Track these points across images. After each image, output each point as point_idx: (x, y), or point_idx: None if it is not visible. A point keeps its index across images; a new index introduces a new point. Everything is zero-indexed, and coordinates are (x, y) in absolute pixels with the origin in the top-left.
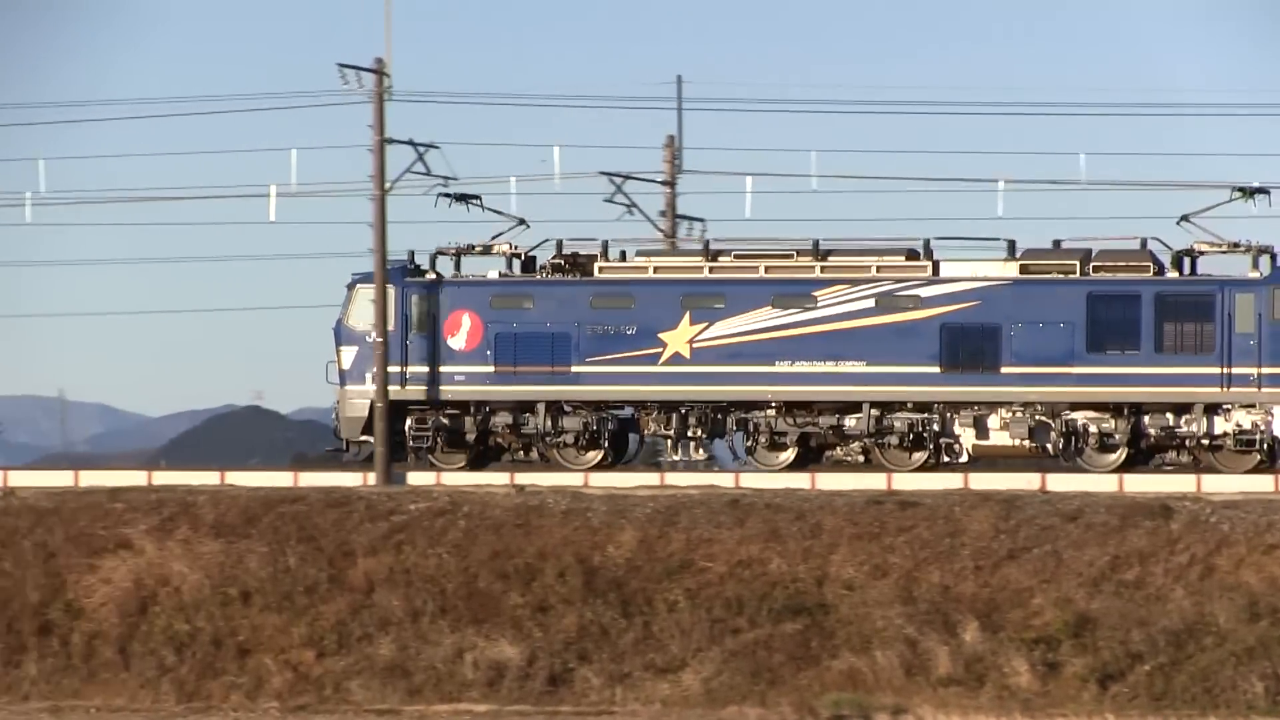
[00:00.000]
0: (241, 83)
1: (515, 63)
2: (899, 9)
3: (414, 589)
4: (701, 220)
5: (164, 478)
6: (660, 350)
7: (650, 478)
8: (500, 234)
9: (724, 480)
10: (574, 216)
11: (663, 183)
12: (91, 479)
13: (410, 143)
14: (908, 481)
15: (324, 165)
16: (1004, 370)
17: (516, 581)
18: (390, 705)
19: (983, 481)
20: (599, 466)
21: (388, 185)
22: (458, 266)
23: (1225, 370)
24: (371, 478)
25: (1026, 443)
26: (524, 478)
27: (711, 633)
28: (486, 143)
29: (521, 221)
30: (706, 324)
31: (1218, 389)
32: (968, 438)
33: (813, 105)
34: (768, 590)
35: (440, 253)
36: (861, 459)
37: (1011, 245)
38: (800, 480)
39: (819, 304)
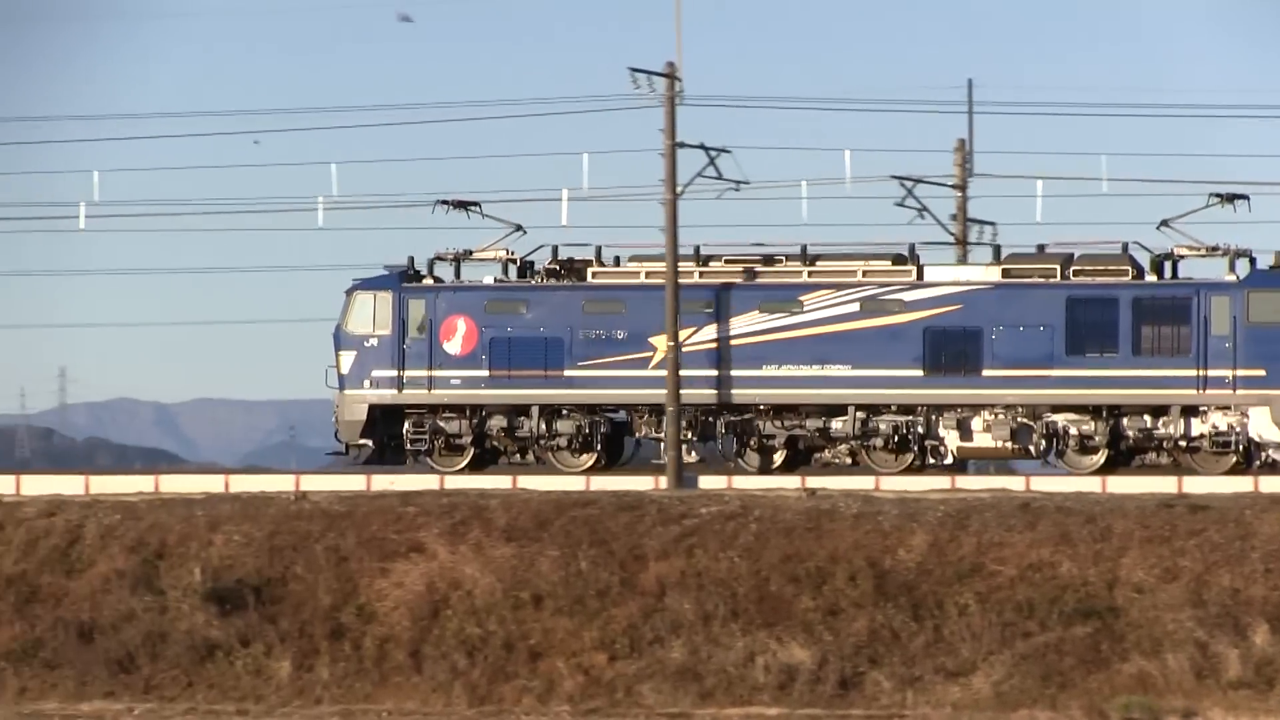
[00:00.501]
0: (534, 87)
1: (805, 67)
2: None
3: (705, 592)
4: (992, 224)
5: (455, 482)
6: (651, 354)
7: (941, 481)
8: (498, 240)
9: (1015, 484)
10: (864, 220)
11: (953, 186)
12: (381, 483)
13: (702, 147)
14: (1199, 485)
15: (613, 169)
16: (985, 373)
17: (807, 585)
18: (682, 709)
19: (1273, 485)
20: (592, 469)
21: (679, 189)
22: (458, 273)
23: (1201, 373)
24: (663, 481)
25: (1009, 444)
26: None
27: (1002, 636)
28: (776, 146)
29: (518, 228)
30: (695, 328)
31: (1194, 391)
32: (952, 440)
33: (1103, 108)
34: (1058, 594)
35: (439, 258)
36: (849, 461)
37: (997, 250)
38: (1091, 484)
39: (805, 308)
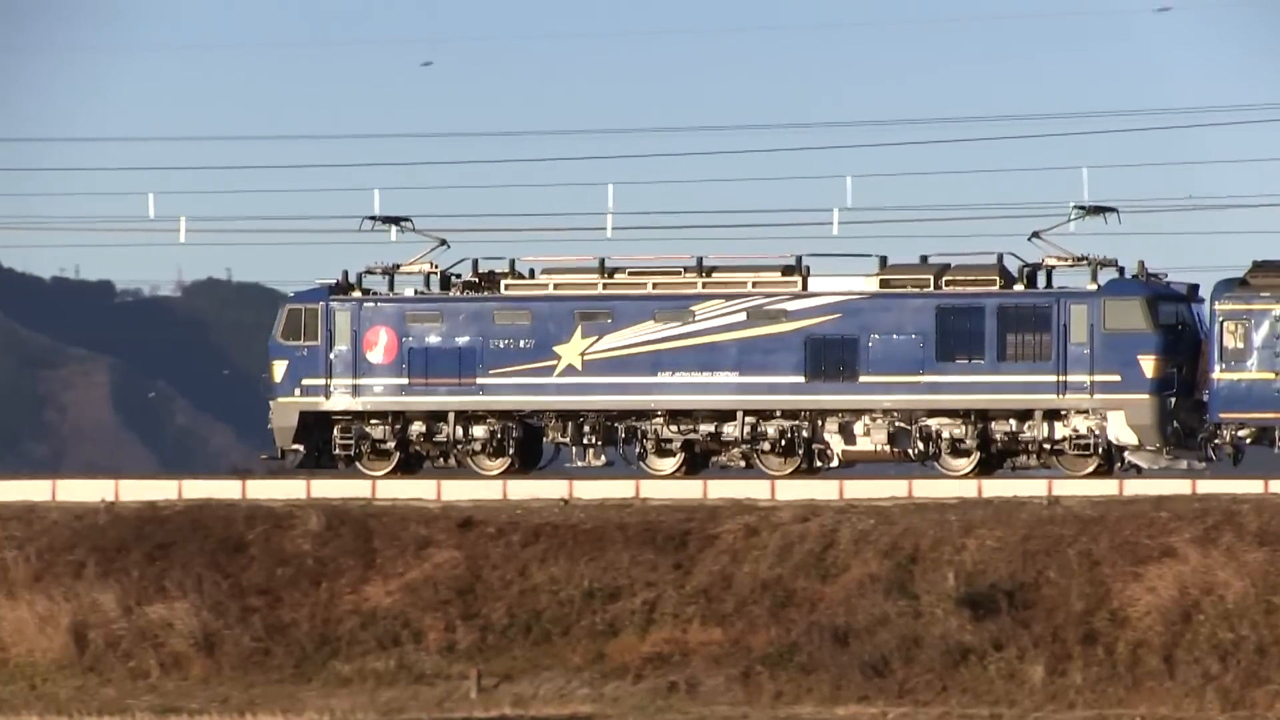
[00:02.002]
0: None
1: None
2: None
3: None
4: None
5: (1206, 487)
6: (555, 362)
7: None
8: (424, 253)
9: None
10: None
11: None
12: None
13: None
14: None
15: None
16: (862, 379)
17: None
18: None
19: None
20: (506, 473)
21: None
22: (391, 285)
23: (1061, 378)
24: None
25: (888, 448)
26: None
27: None
28: None
29: (443, 242)
30: (597, 337)
31: (1054, 396)
32: (837, 444)
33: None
34: None
35: (368, 272)
36: (743, 464)
37: (883, 260)
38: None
39: (696, 318)
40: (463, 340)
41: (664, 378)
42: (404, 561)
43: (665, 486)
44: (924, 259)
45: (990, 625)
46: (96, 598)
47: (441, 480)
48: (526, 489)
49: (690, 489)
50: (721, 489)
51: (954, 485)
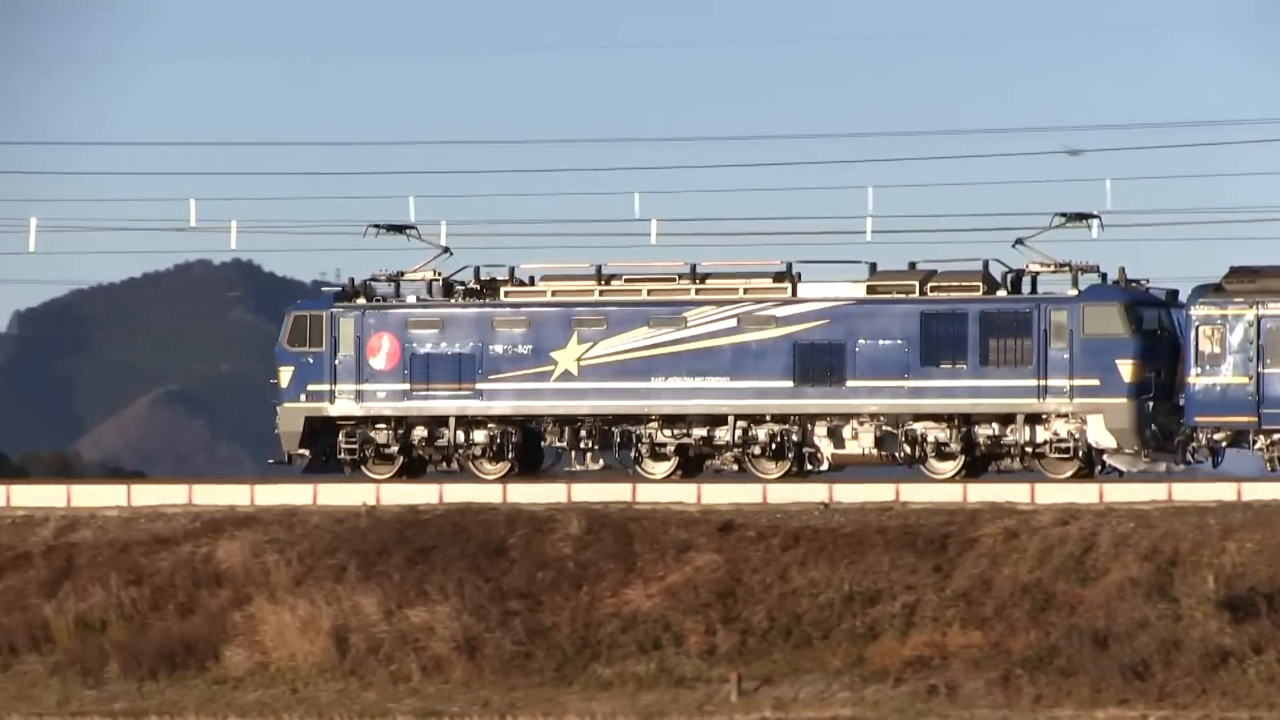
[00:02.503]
0: None
1: None
2: None
3: None
4: None
5: None
6: (552, 368)
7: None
8: (427, 261)
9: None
10: None
11: None
12: None
13: None
14: None
15: None
16: (849, 384)
17: None
18: None
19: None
20: (506, 477)
21: None
22: (398, 292)
23: (1041, 382)
24: None
25: (875, 451)
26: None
27: None
28: None
29: (446, 250)
30: (592, 343)
31: (1035, 400)
32: (827, 447)
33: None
34: None
35: (373, 279)
36: (735, 468)
37: (873, 266)
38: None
39: (689, 324)
40: (463, 346)
41: (657, 383)
42: (664, 565)
43: (926, 490)
44: (912, 265)
45: (1250, 628)
46: (358, 601)
47: (702, 484)
48: (787, 493)
49: (950, 493)
50: (981, 493)
51: (1213, 489)
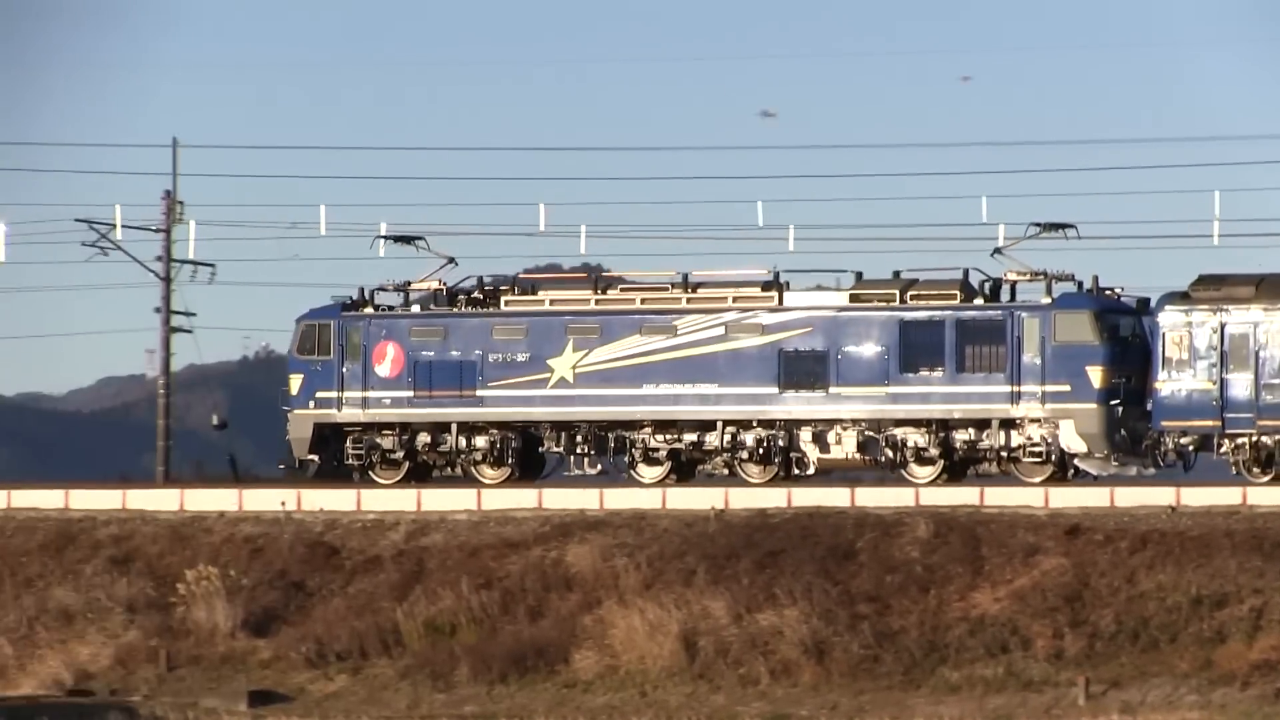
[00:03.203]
0: None
1: None
2: None
3: None
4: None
5: None
6: (549, 375)
7: None
8: (434, 270)
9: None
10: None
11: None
12: None
13: None
14: None
15: None
16: (832, 390)
17: None
18: None
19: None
20: (507, 481)
21: None
22: (406, 301)
23: (1015, 388)
24: None
25: (859, 456)
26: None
27: None
28: None
29: (451, 260)
30: (586, 351)
31: (1008, 405)
32: (812, 452)
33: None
34: None
35: (381, 289)
36: (726, 472)
37: (859, 275)
38: None
39: (679, 332)
40: (464, 354)
41: (649, 389)
42: (1012, 568)
43: (1274, 494)
44: (896, 274)
45: None
46: (707, 605)
47: (1049, 488)
48: (1134, 496)
49: None
50: None
51: None
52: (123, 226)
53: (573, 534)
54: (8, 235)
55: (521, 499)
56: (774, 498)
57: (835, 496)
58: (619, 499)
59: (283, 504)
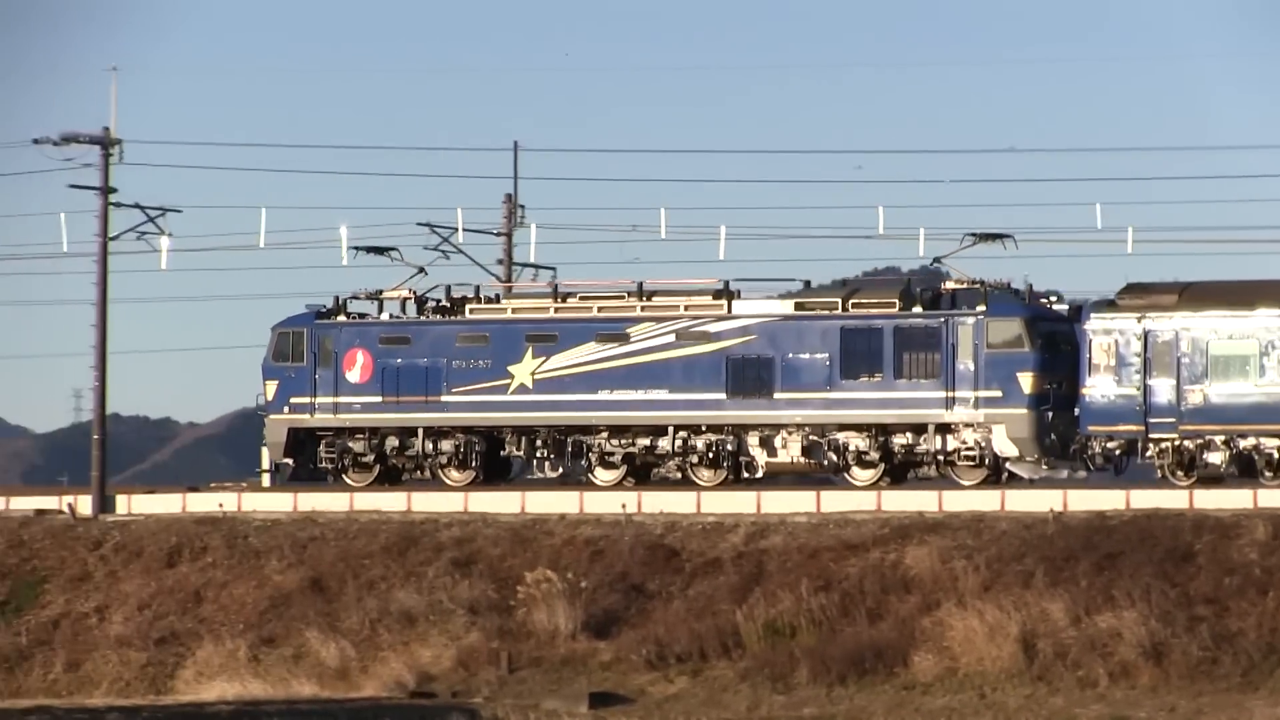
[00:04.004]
0: None
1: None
2: None
3: None
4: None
5: None
6: (510, 381)
7: None
8: (405, 280)
9: None
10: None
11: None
12: None
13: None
14: None
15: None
16: (777, 396)
17: None
18: None
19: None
20: (472, 485)
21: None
22: (380, 309)
23: (950, 394)
24: None
25: (804, 460)
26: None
27: None
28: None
29: (421, 270)
30: (545, 358)
31: (943, 410)
32: (761, 456)
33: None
34: None
35: (354, 297)
36: (679, 476)
37: (807, 284)
38: None
39: (632, 339)
40: (429, 361)
41: (604, 395)
42: None
43: None
44: (843, 282)
45: None
46: (1045, 607)
47: None
48: None
49: None
50: None
51: None
52: (464, 230)
53: (911, 536)
54: (349, 237)
55: (860, 501)
56: (1112, 500)
57: (1173, 499)
58: (958, 501)
59: (623, 506)
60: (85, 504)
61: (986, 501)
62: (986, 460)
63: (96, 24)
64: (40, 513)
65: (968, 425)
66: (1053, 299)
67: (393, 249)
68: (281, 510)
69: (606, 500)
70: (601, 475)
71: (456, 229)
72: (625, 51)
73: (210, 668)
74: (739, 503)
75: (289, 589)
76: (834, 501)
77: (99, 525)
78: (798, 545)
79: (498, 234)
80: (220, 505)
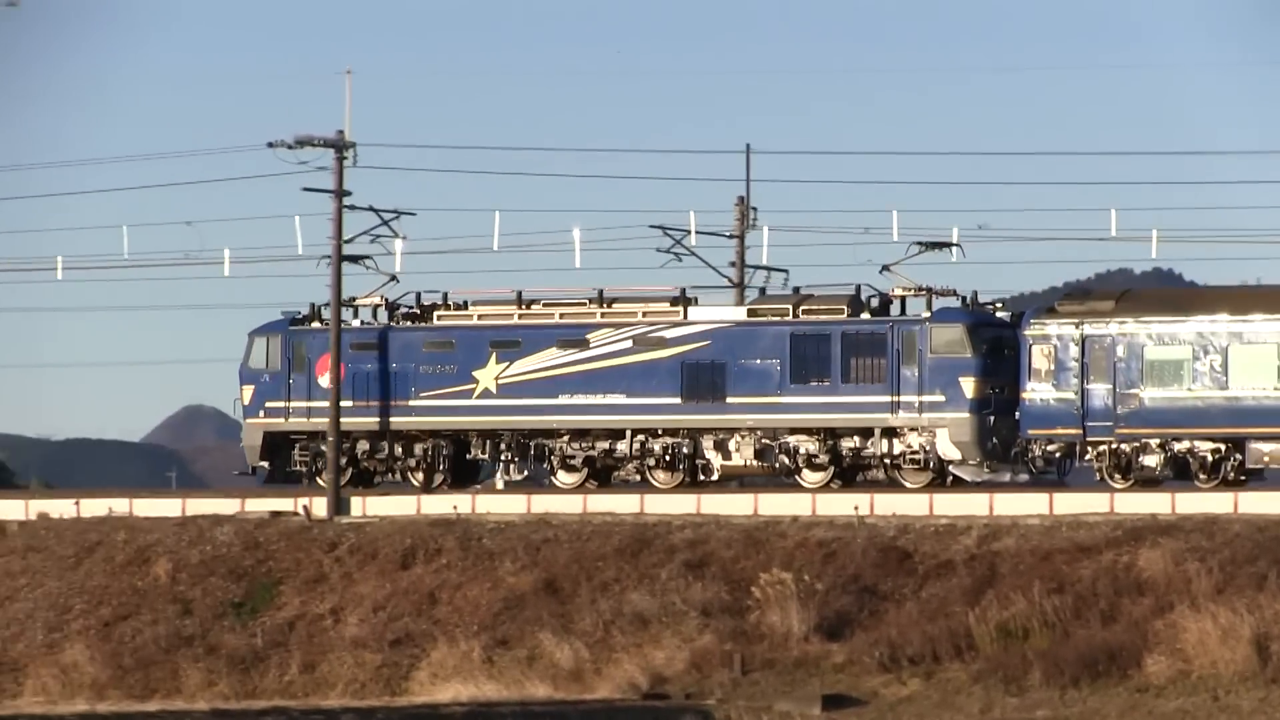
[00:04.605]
0: None
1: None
2: None
3: None
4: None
5: None
6: (474, 386)
7: None
8: (377, 288)
9: None
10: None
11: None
12: None
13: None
14: None
15: None
16: (729, 400)
17: None
18: None
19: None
20: (436, 487)
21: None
22: (355, 315)
23: (895, 398)
24: None
25: (756, 463)
26: None
27: None
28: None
29: (393, 278)
30: (508, 363)
31: (889, 414)
32: (716, 459)
33: None
34: None
35: (327, 305)
36: (638, 478)
37: (762, 291)
38: None
39: (591, 345)
40: (398, 366)
41: (565, 399)
42: None
43: None
44: (796, 289)
45: None
46: (1279, 610)
47: None
48: None
49: None
50: None
51: None
52: (697, 233)
53: (1144, 538)
54: (582, 241)
55: (1093, 503)
56: None
57: None
58: (1191, 503)
59: (855, 508)
60: (320, 506)
61: (1220, 504)
62: (931, 463)
63: (331, 28)
64: (276, 515)
65: (912, 429)
66: (998, 305)
67: (366, 257)
68: (515, 512)
69: (838, 503)
70: (563, 478)
71: (689, 231)
72: (859, 53)
73: (444, 669)
74: (971, 505)
75: (523, 590)
76: (1066, 503)
77: (334, 527)
78: (1030, 547)
79: (730, 236)
80: (454, 508)
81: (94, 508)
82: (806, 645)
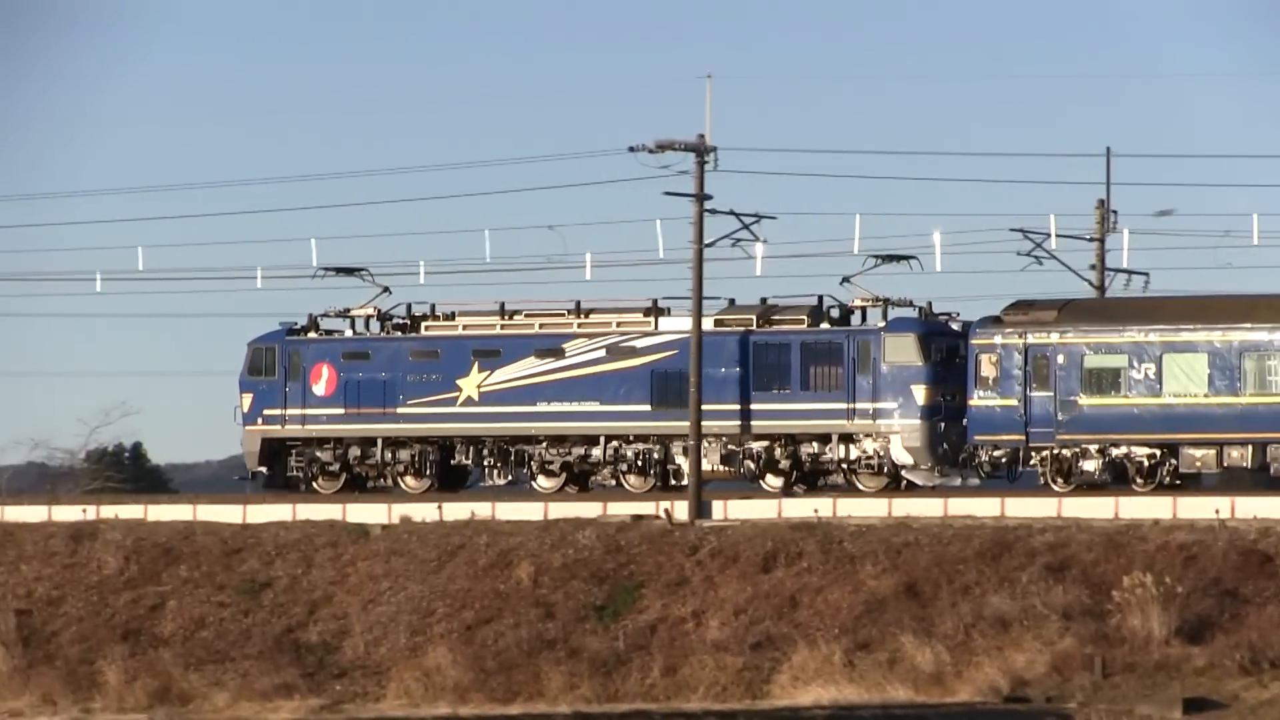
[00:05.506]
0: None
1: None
2: None
3: None
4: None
5: None
6: (458, 394)
7: None
8: (371, 298)
9: None
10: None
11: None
12: None
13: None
14: None
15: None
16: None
17: None
18: None
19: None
20: (428, 492)
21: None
22: (352, 325)
23: (850, 406)
24: None
25: (723, 468)
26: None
27: None
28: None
29: (385, 289)
30: (490, 372)
31: (845, 421)
32: (685, 464)
33: None
34: None
35: (325, 315)
36: (614, 483)
37: (731, 301)
38: None
39: (567, 355)
40: (387, 374)
41: (543, 407)
42: None
43: None
44: (763, 300)
45: None
46: None
47: None
48: None
49: None
50: None
51: None
52: (1057, 236)
53: None
54: (942, 244)
55: None
56: None
57: None
58: None
59: (1216, 512)
60: (681, 509)
61: None
62: (885, 468)
63: (690, 31)
64: (637, 518)
65: (867, 435)
66: (954, 315)
67: (362, 269)
68: (876, 515)
69: (1200, 506)
70: (542, 483)
71: (1049, 235)
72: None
73: (806, 672)
74: None
75: (883, 594)
76: None
77: (695, 531)
78: None
79: (1090, 239)
80: (815, 511)
81: (456, 511)
82: (1167, 648)
